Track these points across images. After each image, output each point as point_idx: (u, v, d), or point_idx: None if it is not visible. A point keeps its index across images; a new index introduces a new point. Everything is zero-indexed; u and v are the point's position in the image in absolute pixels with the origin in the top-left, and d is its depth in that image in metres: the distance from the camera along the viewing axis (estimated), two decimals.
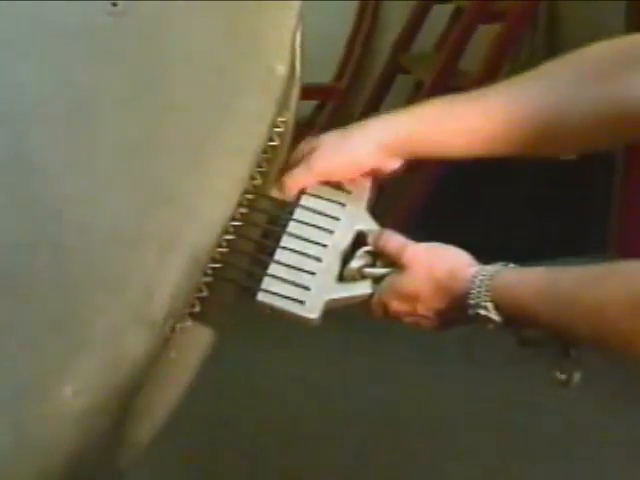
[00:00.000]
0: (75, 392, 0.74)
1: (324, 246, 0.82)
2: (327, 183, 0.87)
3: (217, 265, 0.82)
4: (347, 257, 0.83)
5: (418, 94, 2.48)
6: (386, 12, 2.67)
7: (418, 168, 2.47)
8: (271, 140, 0.87)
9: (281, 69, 0.86)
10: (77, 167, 0.79)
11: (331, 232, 0.83)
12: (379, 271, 0.81)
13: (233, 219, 0.84)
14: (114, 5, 0.82)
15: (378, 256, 0.82)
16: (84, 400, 0.75)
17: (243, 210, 0.85)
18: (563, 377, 0.75)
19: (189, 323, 0.82)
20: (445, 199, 2.51)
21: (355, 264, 0.81)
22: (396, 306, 0.80)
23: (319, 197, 0.86)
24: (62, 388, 0.75)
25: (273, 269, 0.81)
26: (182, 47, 0.84)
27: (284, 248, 0.82)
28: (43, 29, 0.82)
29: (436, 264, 0.79)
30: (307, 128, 2.58)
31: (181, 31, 0.84)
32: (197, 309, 0.82)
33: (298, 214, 0.84)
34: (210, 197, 0.82)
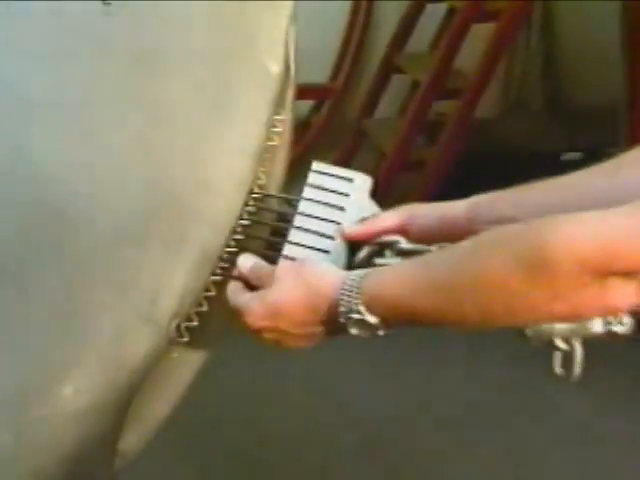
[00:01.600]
0: (75, 391, 0.75)
1: (331, 238, 0.83)
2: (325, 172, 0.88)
3: (225, 264, 0.83)
4: (355, 247, 0.83)
5: (415, 94, 2.49)
6: (379, 11, 2.68)
7: (419, 169, 2.49)
8: (270, 140, 0.89)
9: (275, 68, 0.87)
10: (78, 166, 0.80)
11: (338, 223, 0.84)
12: (389, 261, 0.82)
13: (241, 218, 0.85)
14: (106, 4, 0.83)
15: (387, 245, 0.82)
16: (84, 399, 0.76)
17: (250, 209, 0.86)
18: (562, 371, 0.73)
19: (195, 322, 0.83)
20: (447, 194, 2.53)
21: (363, 254, 0.82)
22: (258, 320, 0.77)
23: (322, 188, 0.87)
24: (62, 387, 0.75)
25: (281, 264, 0.82)
26: (177, 46, 0.85)
27: (292, 242, 0.83)
28: (38, 28, 0.83)
29: (305, 270, 0.77)
30: (304, 128, 2.59)
31: (176, 30, 0.85)
32: (204, 308, 0.83)
33: (303, 207, 0.86)
34: (215, 197, 0.83)
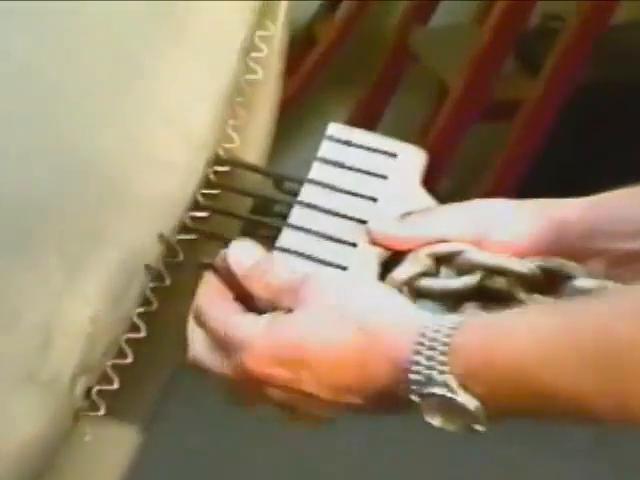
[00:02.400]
0: None
1: (352, 245, 0.85)
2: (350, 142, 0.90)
3: (168, 282, 0.86)
4: (390, 261, 0.84)
5: None
6: None
7: (508, 114, 2.48)
8: (248, 72, 0.91)
9: None
10: None
11: (363, 221, 0.86)
12: (448, 283, 0.83)
13: (196, 207, 0.87)
14: None
15: (444, 258, 0.83)
16: None
17: (212, 191, 0.88)
18: None
19: (115, 384, 0.85)
20: (557, 162, 2.51)
21: (402, 272, 0.83)
22: (265, 363, 0.77)
23: (343, 166, 0.89)
24: None
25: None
26: None
27: (283, 250, 0.84)
28: None
29: (355, 300, 0.78)
30: (305, 46, 2.59)
31: None
32: (129, 360, 0.85)
33: (307, 194, 0.87)
34: (155, 171, 0.85)
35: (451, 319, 0.74)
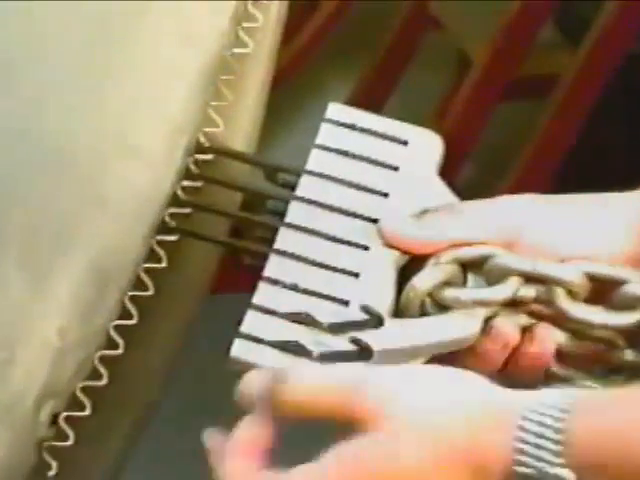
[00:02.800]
0: None
1: (363, 248, 0.86)
2: (355, 126, 0.90)
3: (147, 293, 0.86)
4: (408, 267, 0.85)
5: None
6: None
7: (543, 91, 2.47)
8: (239, 45, 0.92)
9: None
10: None
11: (373, 220, 0.87)
12: (477, 294, 0.83)
13: (175, 202, 0.87)
14: None
15: (472, 264, 0.84)
16: None
17: (193, 184, 0.89)
18: None
19: (87, 410, 0.85)
20: (598, 148, 2.50)
21: (424, 281, 0.84)
22: None
23: (346, 154, 0.89)
24: None
25: (259, 297, 0.83)
26: None
27: (281, 254, 0.85)
28: None
29: (431, 409, 0.73)
30: (304, 15, 2.59)
31: None
32: (103, 381, 0.86)
33: (305, 187, 0.88)
34: (123, 159, 0.85)
35: (556, 400, 0.72)
